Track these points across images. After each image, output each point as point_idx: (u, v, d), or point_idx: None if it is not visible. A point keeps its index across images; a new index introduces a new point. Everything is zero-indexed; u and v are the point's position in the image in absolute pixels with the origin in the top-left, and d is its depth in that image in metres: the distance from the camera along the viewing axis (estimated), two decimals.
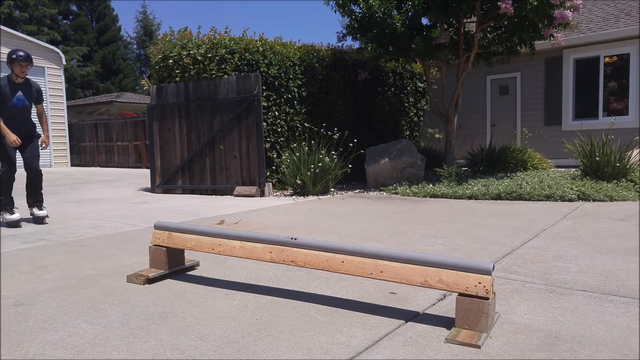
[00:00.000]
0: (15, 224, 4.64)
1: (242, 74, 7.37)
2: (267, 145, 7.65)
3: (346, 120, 9.14)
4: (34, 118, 5.02)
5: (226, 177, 7.45)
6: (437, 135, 11.57)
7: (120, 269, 3.04)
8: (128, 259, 3.33)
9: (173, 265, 2.84)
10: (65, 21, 32.98)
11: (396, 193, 7.17)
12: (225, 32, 7.99)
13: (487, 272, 1.90)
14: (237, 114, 7.24)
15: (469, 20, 8.14)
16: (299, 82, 8.07)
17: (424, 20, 8.06)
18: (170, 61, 7.75)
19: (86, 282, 2.77)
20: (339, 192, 7.66)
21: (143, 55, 38.20)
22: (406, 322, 2.11)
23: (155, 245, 2.81)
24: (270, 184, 7.37)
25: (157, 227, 2.81)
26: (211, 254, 3.06)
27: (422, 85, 10.97)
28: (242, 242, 2.49)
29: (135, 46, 39.17)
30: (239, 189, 7.24)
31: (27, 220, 4.97)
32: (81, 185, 9.24)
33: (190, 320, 2.16)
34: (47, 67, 15.10)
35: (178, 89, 7.65)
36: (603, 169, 6.87)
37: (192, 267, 3.01)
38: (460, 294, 1.95)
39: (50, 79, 15.23)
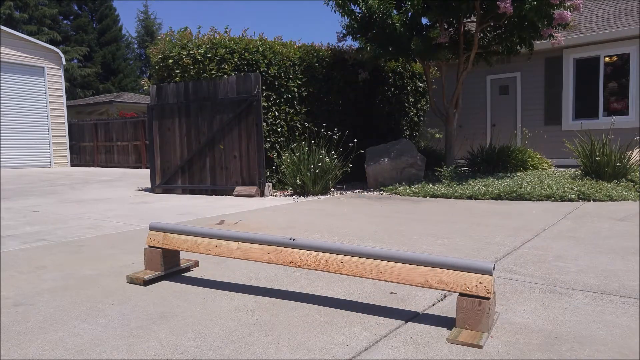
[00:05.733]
0: None
1: (242, 73, 7.37)
2: (267, 145, 7.65)
3: (346, 120, 9.14)
4: None
5: (226, 177, 7.45)
6: (437, 135, 11.57)
7: (120, 269, 3.04)
8: (128, 259, 3.33)
9: (169, 266, 2.81)
10: (65, 21, 32.98)
11: (396, 193, 7.16)
12: (225, 32, 7.99)
13: (488, 272, 1.90)
14: (237, 114, 7.24)
15: (468, 20, 8.14)
16: (299, 82, 8.07)
17: (424, 20, 8.06)
18: (170, 61, 7.74)
19: (86, 282, 2.77)
20: (339, 192, 7.65)
21: (144, 55, 38.22)
22: (406, 322, 2.11)
23: (150, 246, 2.78)
24: (270, 184, 7.37)
25: (152, 228, 2.78)
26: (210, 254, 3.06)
27: (422, 85, 10.97)
28: (240, 243, 2.47)
29: (136, 46, 39.21)
30: (238, 189, 7.24)
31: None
32: (81, 186, 9.23)
33: (190, 321, 2.15)
34: (47, 67, 15.10)
35: (178, 89, 7.65)
36: (603, 168, 6.86)
37: (189, 268, 3.00)
38: (461, 294, 1.95)
39: (50, 79, 15.23)
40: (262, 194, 7.17)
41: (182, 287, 2.66)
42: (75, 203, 6.54)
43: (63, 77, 15.72)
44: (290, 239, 2.32)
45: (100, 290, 2.61)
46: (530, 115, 11.53)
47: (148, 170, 12.62)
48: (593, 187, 6.22)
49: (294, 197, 7.08)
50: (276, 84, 7.76)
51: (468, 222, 4.61)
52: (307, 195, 7.19)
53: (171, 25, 54.97)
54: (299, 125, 8.12)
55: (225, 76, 7.42)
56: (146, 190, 8.31)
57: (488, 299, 1.89)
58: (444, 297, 2.42)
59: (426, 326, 2.05)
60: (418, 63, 10.25)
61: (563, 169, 8.96)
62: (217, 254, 2.53)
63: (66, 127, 15.94)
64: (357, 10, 7.72)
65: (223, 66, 7.55)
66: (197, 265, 3.06)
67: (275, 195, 7.29)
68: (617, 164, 6.78)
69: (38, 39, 19.96)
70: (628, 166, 6.83)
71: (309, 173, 7.11)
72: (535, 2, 6.54)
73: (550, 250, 3.37)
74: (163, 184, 7.88)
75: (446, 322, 2.09)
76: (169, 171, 7.84)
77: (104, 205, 6.24)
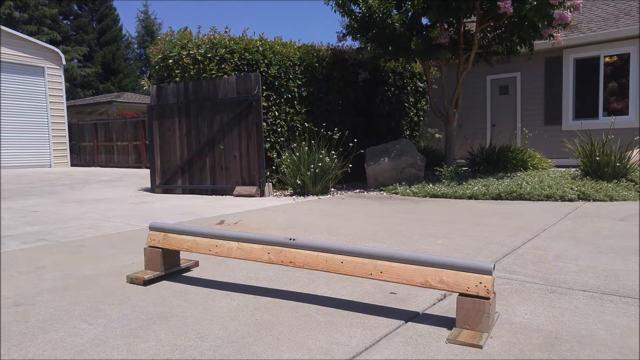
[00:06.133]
0: None
1: (242, 73, 7.37)
2: (267, 145, 7.65)
3: (346, 120, 9.14)
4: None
5: (226, 177, 7.45)
6: (437, 135, 11.57)
7: (120, 269, 3.04)
8: (128, 259, 3.33)
9: (169, 266, 2.81)
10: (65, 21, 32.99)
11: (396, 193, 7.16)
12: (225, 32, 8.00)
13: (488, 272, 1.90)
14: (237, 113, 7.24)
15: (468, 20, 8.14)
16: (299, 82, 8.07)
17: (424, 20, 8.07)
18: (170, 61, 7.75)
19: (86, 282, 2.77)
20: (339, 192, 7.65)
21: (144, 55, 38.23)
22: (406, 322, 2.11)
23: (150, 246, 2.78)
24: (270, 184, 7.37)
25: (152, 228, 2.78)
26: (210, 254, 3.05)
27: (422, 85, 10.97)
28: (240, 243, 2.47)
29: (136, 46, 39.22)
30: (239, 189, 7.24)
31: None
32: (81, 186, 9.23)
33: (190, 321, 2.15)
34: (47, 67, 15.10)
35: (178, 89, 7.65)
36: (603, 168, 6.86)
37: (189, 268, 3.00)
38: (461, 294, 1.95)
39: (50, 79, 15.23)
40: (262, 194, 7.17)
41: (182, 287, 2.66)
42: (75, 203, 6.54)
43: (63, 77, 15.72)
44: (290, 239, 2.32)
45: (100, 290, 2.61)
46: (530, 115, 11.53)
47: (148, 170, 12.63)
48: (593, 187, 6.22)
49: (294, 197, 7.08)
50: (276, 84, 7.76)
51: (468, 222, 4.61)
52: (307, 195, 7.19)
53: (171, 25, 55.04)
54: (299, 125, 8.12)
55: (225, 76, 7.42)
56: (146, 190, 8.31)
57: (488, 299, 1.89)
58: (444, 297, 2.42)
59: (426, 326, 2.05)
60: (418, 63, 10.25)
61: (563, 169, 8.96)
62: (217, 254, 2.53)
63: (66, 127, 15.94)
64: (357, 10, 7.72)
65: (223, 66, 7.55)
66: (197, 265, 3.06)
67: (275, 195, 7.29)
68: (617, 164, 6.78)
69: (38, 39, 19.96)
70: (628, 166, 6.83)
71: (309, 173, 7.11)
72: (535, 2, 6.54)
73: (550, 250, 3.37)
74: (163, 184, 7.88)
75: (446, 322, 2.09)
76: (169, 171, 7.84)
77: (104, 205, 6.24)
